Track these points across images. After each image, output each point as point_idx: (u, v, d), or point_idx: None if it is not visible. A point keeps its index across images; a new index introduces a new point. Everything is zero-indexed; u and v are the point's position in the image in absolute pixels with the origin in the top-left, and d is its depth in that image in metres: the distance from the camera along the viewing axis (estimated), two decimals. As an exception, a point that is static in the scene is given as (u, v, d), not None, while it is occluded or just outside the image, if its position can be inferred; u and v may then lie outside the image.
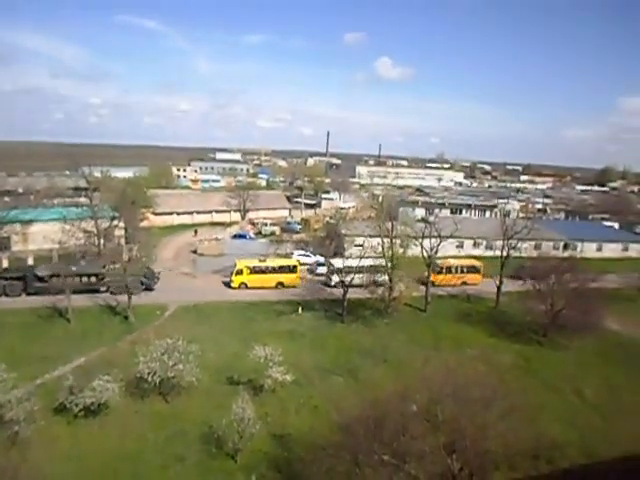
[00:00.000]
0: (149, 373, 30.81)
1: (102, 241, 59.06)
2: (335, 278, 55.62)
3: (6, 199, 73.78)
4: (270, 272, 56.38)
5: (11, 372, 28.06)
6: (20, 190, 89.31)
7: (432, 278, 53.68)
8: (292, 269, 57.05)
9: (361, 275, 53.75)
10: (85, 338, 40.85)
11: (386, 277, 51.61)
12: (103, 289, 51.19)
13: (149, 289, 51.96)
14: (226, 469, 25.84)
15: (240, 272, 55.33)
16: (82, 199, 69.87)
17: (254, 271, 55.74)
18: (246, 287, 55.01)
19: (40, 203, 78.49)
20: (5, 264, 57.48)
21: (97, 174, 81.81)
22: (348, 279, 54.28)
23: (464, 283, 59.20)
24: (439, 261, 57.70)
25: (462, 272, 59.91)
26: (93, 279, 51.49)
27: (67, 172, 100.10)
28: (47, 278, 49.06)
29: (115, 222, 63.06)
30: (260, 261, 57.58)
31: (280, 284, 56.16)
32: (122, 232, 67.13)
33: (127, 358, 34.21)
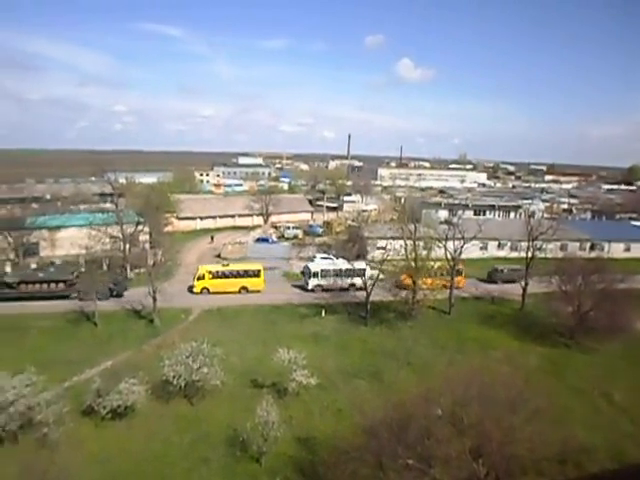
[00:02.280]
0: (174, 376, 31.16)
1: (127, 246, 59.94)
2: (312, 282, 55.91)
3: (34, 206, 75.16)
4: (233, 277, 55.50)
5: (41, 375, 28.54)
6: (48, 197, 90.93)
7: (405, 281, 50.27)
8: (256, 273, 55.99)
9: (340, 278, 55.42)
10: (111, 341, 41.53)
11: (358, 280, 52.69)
12: (74, 295, 50.12)
13: (118, 295, 51.67)
14: (251, 472, 25.94)
15: (202, 277, 54.54)
16: (108, 205, 70.81)
17: (216, 276, 54.85)
18: (208, 292, 54.11)
19: (67, 209, 79.80)
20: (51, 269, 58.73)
21: (122, 180, 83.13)
22: (325, 282, 55.29)
23: (444, 286, 51.48)
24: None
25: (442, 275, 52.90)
26: (62, 285, 51.13)
27: (93, 178, 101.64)
28: (15, 285, 49.83)
29: (140, 227, 63.89)
30: (223, 266, 57.17)
31: (244, 289, 55.37)
32: (147, 237, 68.03)
33: (152, 361, 34.60)
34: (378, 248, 60.05)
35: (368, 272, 52.62)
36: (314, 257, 67.09)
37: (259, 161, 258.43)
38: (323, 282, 56.15)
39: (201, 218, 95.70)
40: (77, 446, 26.94)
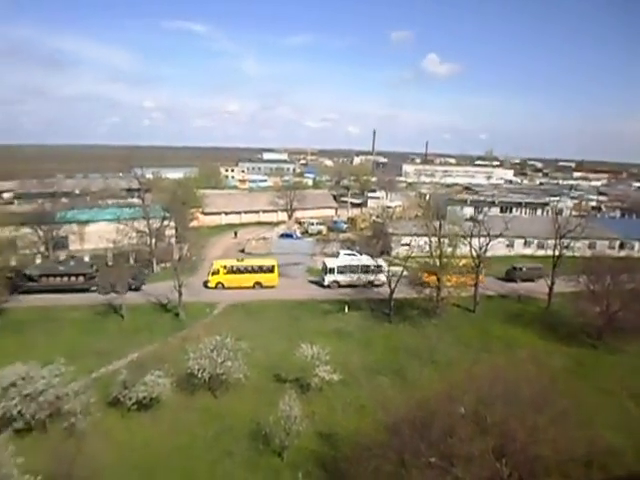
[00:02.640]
0: (199, 369, 31.54)
1: (154, 240, 60.79)
2: (329, 278, 55.72)
3: (64, 200, 76.74)
4: (247, 272, 55.64)
5: (69, 365, 29.16)
6: (77, 192, 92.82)
7: (426, 279, 49.58)
8: (270, 269, 55.97)
9: (356, 275, 55.12)
10: (138, 334, 42.18)
11: (380, 276, 52.98)
12: (93, 289, 51.65)
13: (136, 289, 52.29)
14: (273, 466, 26.14)
15: (217, 272, 54.87)
16: (135, 200, 71.95)
17: (231, 271, 55.09)
18: (223, 287, 54.38)
19: (96, 204, 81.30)
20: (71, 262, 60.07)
21: (149, 175, 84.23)
22: (342, 279, 55.27)
23: (463, 284, 49.98)
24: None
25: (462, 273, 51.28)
26: (81, 279, 52.17)
27: (121, 174, 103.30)
28: (37, 277, 50.84)
29: (166, 222, 64.75)
30: (238, 261, 57.37)
31: (258, 284, 55.41)
32: (173, 232, 68.83)
33: (177, 354, 35.04)
34: (402, 245, 59.88)
35: (385, 269, 52.51)
36: (338, 253, 67.11)
37: (284, 157, 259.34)
38: (340, 278, 56.12)
39: (226, 213, 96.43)
40: (104, 436, 27.48)
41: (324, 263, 57.95)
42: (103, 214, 71.08)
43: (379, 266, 54.58)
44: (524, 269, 61.21)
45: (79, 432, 27.22)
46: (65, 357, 29.74)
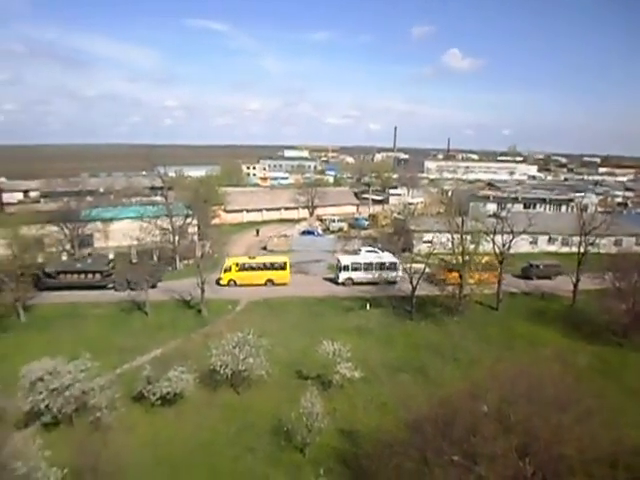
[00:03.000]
0: (221, 366, 31.78)
1: (177, 238, 61.43)
2: (343, 275, 55.55)
3: (89, 199, 77.87)
4: (259, 269, 55.48)
5: (95, 361, 29.57)
6: (101, 190, 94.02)
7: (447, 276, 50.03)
8: (282, 267, 55.61)
9: (371, 272, 54.79)
10: (161, 330, 42.72)
11: (396, 273, 53.61)
12: (110, 286, 52.43)
13: (153, 286, 52.55)
14: (295, 462, 26.26)
15: (229, 269, 54.66)
16: (158, 198, 72.67)
17: (243, 268, 54.79)
18: (235, 284, 54.20)
19: (119, 202, 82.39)
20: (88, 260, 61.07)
21: (172, 174, 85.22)
22: (356, 276, 55.13)
23: (480, 280, 48.95)
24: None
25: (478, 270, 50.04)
26: (98, 276, 52.65)
27: (144, 172, 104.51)
28: (55, 275, 51.56)
29: (189, 220, 65.34)
30: (250, 258, 57.25)
31: (270, 281, 55.25)
32: (195, 229, 69.50)
33: (200, 350, 35.41)
34: (424, 242, 59.50)
35: (400, 266, 52.61)
36: (359, 250, 67.10)
37: (305, 154, 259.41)
38: (354, 275, 56.00)
39: (248, 211, 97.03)
40: (128, 430, 27.91)
41: (338, 260, 57.81)
42: (127, 212, 72.04)
43: (394, 263, 54.46)
44: (541, 266, 60.23)
45: (105, 426, 27.67)
46: (90, 352, 30.17)
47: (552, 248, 71.96)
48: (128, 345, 39.01)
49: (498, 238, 49.48)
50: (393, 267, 54.85)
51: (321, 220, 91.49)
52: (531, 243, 71.08)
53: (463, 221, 49.77)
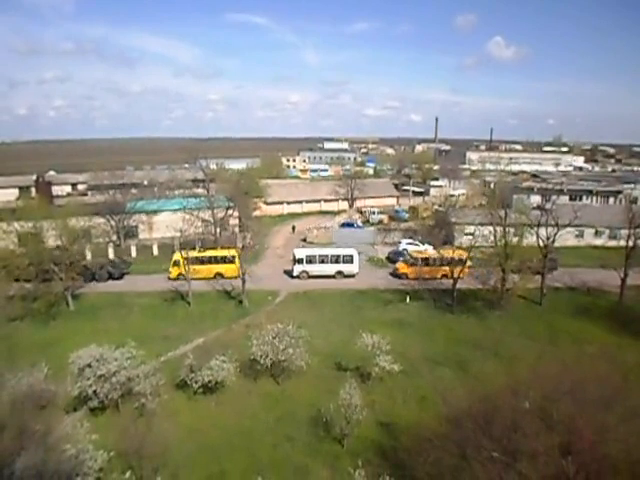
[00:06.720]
0: (261, 356, 32.24)
1: (218, 229, 62.35)
2: (297, 268, 55.00)
3: (133, 191, 79.84)
4: (208, 263, 54.24)
5: (139, 349, 30.41)
6: (145, 183, 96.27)
7: (404, 270, 55.28)
8: (231, 259, 53.16)
9: (327, 265, 54.98)
10: (203, 320, 43.60)
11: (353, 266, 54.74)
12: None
13: (117, 278, 53.14)
14: (333, 452, 26.40)
15: (177, 263, 52.20)
16: (200, 190, 73.81)
17: (191, 262, 50.61)
18: (184, 278, 49.41)
19: (163, 194, 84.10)
20: (134, 251, 62.75)
21: (213, 166, 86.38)
22: (311, 269, 54.86)
23: (444, 276, 52.17)
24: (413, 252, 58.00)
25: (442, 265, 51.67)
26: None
27: (186, 165, 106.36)
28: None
29: (230, 212, 66.22)
30: (199, 251, 55.85)
31: (219, 275, 54.36)
32: (236, 221, 70.36)
33: (241, 340, 36.02)
34: (466, 234, 58.57)
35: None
36: (399, 242, 66.65)
37: (344, 146, 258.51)
38: (308, 268, 55.12)
39: (288, 203, 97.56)
40: (171, 417, 28.57)
41: (293, 253, 56.09)
42: (170, 204, 73.47)
43: (350, 256, 55.31)
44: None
45: (149, 412, 28.37)
46: (135, 341, 31.01)
47: (599, 242, 69.77)
48: (171, 334, 40.00)
49: (542, 231, 48.28)
50: (350, 260, 54.59)
51: (361, 212, 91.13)
52: (577, 236, 69.13)
53: (506, 213, 48.72)
